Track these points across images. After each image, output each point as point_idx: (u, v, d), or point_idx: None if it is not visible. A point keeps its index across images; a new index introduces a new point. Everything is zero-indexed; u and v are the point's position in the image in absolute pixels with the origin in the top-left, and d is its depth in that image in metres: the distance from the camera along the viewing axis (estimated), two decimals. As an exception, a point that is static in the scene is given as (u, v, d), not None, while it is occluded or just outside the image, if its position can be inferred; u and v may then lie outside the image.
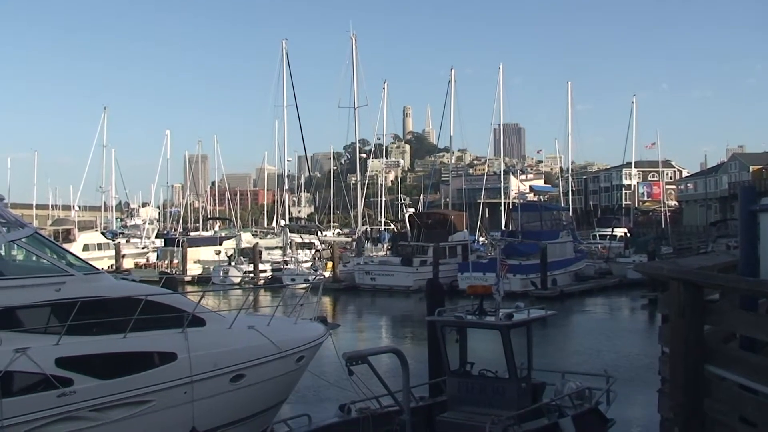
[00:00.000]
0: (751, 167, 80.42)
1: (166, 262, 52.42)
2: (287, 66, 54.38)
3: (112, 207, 79.59)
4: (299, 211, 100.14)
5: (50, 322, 9.62)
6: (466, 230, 48.14)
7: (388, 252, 50.67)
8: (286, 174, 61.14)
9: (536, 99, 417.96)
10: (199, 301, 11.45)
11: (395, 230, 62.21)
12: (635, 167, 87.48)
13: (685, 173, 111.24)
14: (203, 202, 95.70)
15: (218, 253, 52.44)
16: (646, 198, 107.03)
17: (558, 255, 41.78)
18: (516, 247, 40.45)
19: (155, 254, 56.62)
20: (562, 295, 37.89)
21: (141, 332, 10.14)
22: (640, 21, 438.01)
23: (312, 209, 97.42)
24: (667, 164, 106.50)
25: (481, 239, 61.37)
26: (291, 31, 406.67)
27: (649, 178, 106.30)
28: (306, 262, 49.28)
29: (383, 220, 68.11)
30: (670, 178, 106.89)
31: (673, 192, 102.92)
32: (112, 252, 55.17)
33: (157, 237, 66.06)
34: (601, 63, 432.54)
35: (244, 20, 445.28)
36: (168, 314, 10.57)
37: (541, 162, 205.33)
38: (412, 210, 55.12)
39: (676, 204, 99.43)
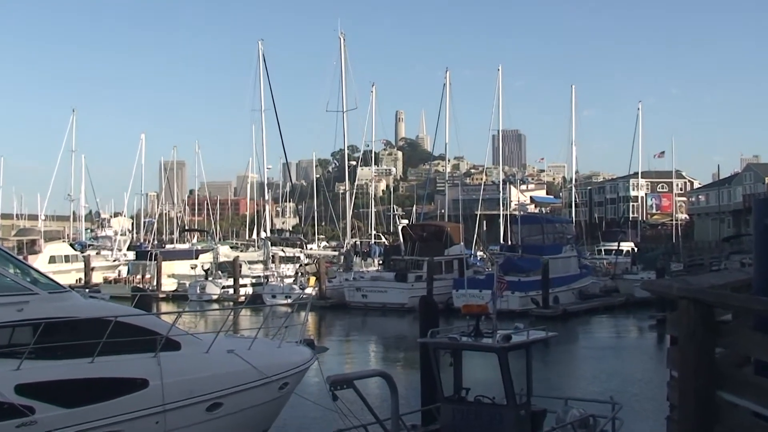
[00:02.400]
0: (766, 178, 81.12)
1: (138, 276, 52.18)
2: (264, 68, 54.57)
3: (81, 216, 79.24)
4: (283, 223, 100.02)
5: (11, 344, 9.53)
6: (462, 243, 48.22)
7: (379, 267, 50.64)
8: (266, 182, 61.05)
9: (538, 104, 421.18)
10: (174, 322, 11.40)
11: (386, 243, 62.27)
12: (643, 178, 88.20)
13: (696, 184, 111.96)
14: (179, 212, 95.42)
15: (194, 267, 52.30)
16: (654, 210, 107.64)
17: (561, 271, 41.88)
18: (515, 263, 40.51)
19: (126, 268, 56.37)
20: (565, 314, 37.96)
21: (110, 356, 10.06)
22: (649, 21, 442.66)
23: (297, 220, 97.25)
24: (677, 175, 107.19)
25: (478, 253, 61.46)
26: (274, 29, 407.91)
27: (657, 190, 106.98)
28: (289, 277, 49.18)
29: (373, 232, 68.11)
30: (681, 189, 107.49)
31: (683, 204, 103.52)
32: (81, 265, 54.88)
33: (129, 249, 65.81)
34: (607, 65, 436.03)
35: (224, 16, 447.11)
36: (140, 337, 10.50)
37: (543, 171, 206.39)
38: (405, 221, 55.21)
39: (687, 217, 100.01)
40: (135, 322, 10.74)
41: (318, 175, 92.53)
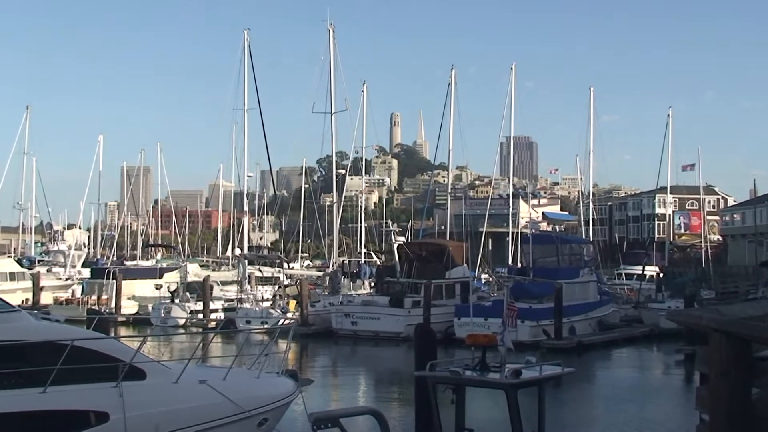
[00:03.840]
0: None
1: (94, 297, 52.00)
2: (249, 61, 54.75)
3: (31, 228, 78.98)
4: (261, 238, 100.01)
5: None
6: (466, 265, 48.32)
7: (371, 290, 50.66)
8: (245, 192, 61.13)
9: (552, 108, 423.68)
10: (139, 347, 11.43)
11: (379, 263, 62.28)
12: (671, 193, 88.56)
13: (731, 201, 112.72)
14: (143, 224, 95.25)
15: (158, 287, 52.22)
16: (683, 230, 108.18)
17: (578, 297, 42.03)
18: (526, 287, 40.64)
19: (81, 287, 56.18)
20: (580, 346, 38.06)
21: (65, 386, 10.08)
22: (679, 15, 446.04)
23: (277, 236, 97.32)
24: (709, 190, 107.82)
25: (482, 276, 61.49)
26: (255, 20, 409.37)
27: (687, 207, 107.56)
28: (266, 300, 49.17)
29: (364, 250, 68.18)
30: (713, 207, 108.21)
31: (716, 224, 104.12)
32: (29, 283, 54.65)
33: (84, 266, 65.61)
34: (631, 65, 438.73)
35: (198, 4, 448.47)
36: (100, 364, 10.53)
37: (557, 184, 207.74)
38: (402, 239, 55.28)
39: (720, 239, 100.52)
40: (94, 347, 10.77)
41: (307, 185, 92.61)
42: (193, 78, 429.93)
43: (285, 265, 58.63)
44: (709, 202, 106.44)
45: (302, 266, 75.03)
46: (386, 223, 69.64)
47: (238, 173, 61.67)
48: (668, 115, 72.51)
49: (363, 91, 66.38)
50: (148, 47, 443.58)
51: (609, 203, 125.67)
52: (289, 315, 43.32)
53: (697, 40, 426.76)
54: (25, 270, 58.45)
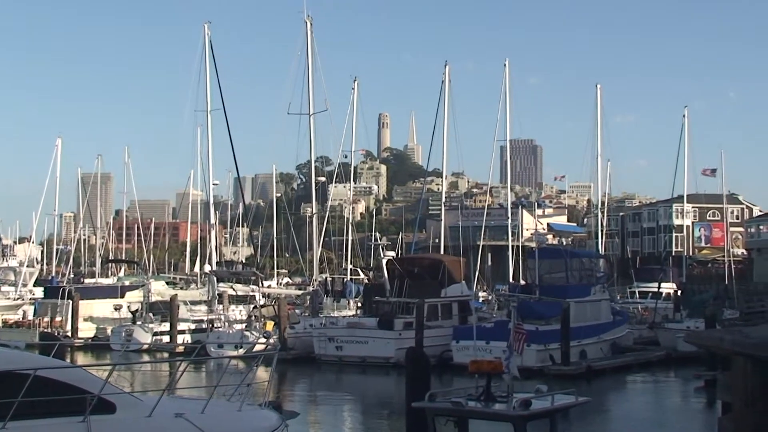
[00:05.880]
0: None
1: (47, 319, 51.96)
2: (211, 57, 54.93)
3: (-23, 243, 78.54)
4: (234, 253, 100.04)
5: None
6: (464, 282, 48.55)
7: (357, 311, 50.73)
8: (212, 201, 61.17)
9: (559, 107, 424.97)
10: (108, 377, 11.52)
11: (367, 281, 62.35)
12: (690, 202, 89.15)
13: (756, 211, 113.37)
14: (103, 237, 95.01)
15: (118, 308, 52.27)
16: (703, 243, 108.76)
17: (589, 318, 42.27)
18: (532, 307, 40.84)
19: (33, 308, 56.07)
20: (589, 372, 38.29)
21: (27, 420, 10.14)
22: (697, 7, 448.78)
23: (251, 250, 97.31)
24: (732, 199, 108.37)
25: (480, 294, 61.60)
26: (224, 11, 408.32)
27: (707, 217, 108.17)
28: (240, 322, 49.20)
29: (350, 266, 68.31)
30: (737, 217, 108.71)
31: (740, 236, 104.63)
32: (-26, 304, 54.51)
33: (36, 284, 65.52)
34: (645, 60, 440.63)
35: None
36: (65, 396, 10.61)
37: (564, 192, 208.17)
38: (392, 254, 55.41)
39: (744, 252, 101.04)
40: (58, 378, 10.84)
41: (279, 194, 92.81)
42: (158, 75, 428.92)
43: (260, 282, 58.62)
44: (732, 212, 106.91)
45: (280, 284, 75.04)
46: (374, 235, 69.81)
47: (204, 181, 61.78)
48: (684, 116, 72.99)
49: (353, 89, 66.28)
50: (105, 42, 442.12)
51: (621, 213, 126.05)
52: (272, 340, 43.37)
53: (718, 33, 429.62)
54: (-30, 289, 58.31)
